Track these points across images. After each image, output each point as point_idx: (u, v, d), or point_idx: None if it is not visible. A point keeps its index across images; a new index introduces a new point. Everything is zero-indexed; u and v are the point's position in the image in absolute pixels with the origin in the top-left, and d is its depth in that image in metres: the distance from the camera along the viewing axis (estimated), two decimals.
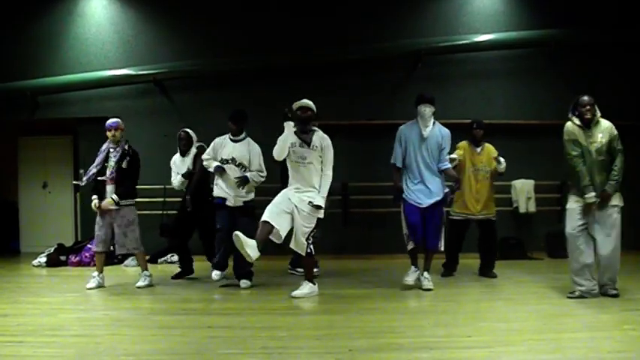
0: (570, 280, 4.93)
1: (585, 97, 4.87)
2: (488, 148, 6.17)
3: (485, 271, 6.10)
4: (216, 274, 5.63)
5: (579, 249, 4.84)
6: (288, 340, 3.78)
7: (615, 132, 4.87)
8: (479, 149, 6.12)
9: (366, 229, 7.35)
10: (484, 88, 8.15)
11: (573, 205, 4.91)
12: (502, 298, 5.05)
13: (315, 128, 5.20)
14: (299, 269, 6.28)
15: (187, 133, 6.15)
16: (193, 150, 6.12)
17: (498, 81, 8.21)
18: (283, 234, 4.95)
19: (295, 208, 5.00)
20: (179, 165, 6.15)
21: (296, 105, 5.16)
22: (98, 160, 5.66)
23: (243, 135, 5.67)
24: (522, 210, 7.84)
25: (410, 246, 5.40)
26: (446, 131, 5.47)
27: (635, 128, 7.95)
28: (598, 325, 4.01)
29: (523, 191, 7.86)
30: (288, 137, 5.09)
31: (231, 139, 5.64)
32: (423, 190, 5.33)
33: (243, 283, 5.60)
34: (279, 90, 7.94)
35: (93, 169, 5.65)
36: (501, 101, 8.09)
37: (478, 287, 5.61)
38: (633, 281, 5.65)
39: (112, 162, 5.61)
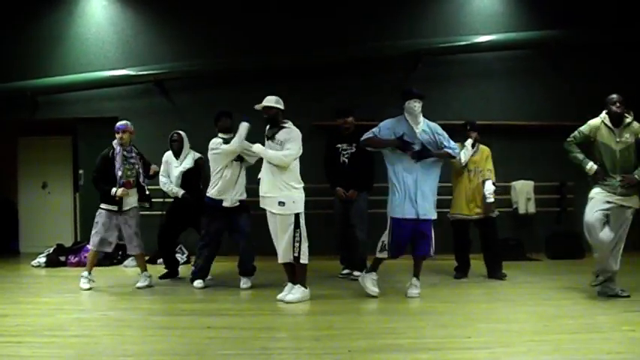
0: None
1: (614, 95, 4.87)
2: (483, 149, 6.10)
3: (493, 272, 6.00)
4: (198, 282, 5.66)
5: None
6: (287, 340, 3.78)
7: None
8: (472, 150, 6.04)
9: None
10: (484, 88, 8.15)
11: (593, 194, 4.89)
12: (501, 299, 5.05)
13: (286, 125, 5.07)
14: (356, 272, 6.08)
15: (180, 135, 6.22)
16: (191, 155, 6.17)
17: (498, 82, 8.21)
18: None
19: (271, 219, 5.01)
20: (173, 166, 6.16)
21: (259, 106, 5.09)
22: (118, 164, 5.62)
23: (232, 134, 5.69)
24: (522, 211, 7.84)
25: (382, 255, 5.09)
26: (433, 124, 5.26)
27: None
28: (597, 326, 4.02)
29: (523, 192, 7.86)
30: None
31: (223, 139, 5.64)
32: (415, 200, 5.02)
33: (244, 283, 5.62)
34: (279, 90, 7.88)
35: (119, 173, 5.60)
36: (501, 102, 8.09)
37: (477, 288, 5.60)
38: (631, 282, 5.64)
39: (128, 166, 5.64)
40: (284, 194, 4.93)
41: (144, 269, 5.78)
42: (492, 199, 5.89)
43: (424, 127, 5.19)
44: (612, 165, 4.82)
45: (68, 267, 7.32)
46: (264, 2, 8.21)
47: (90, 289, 5.56)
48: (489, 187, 5.90)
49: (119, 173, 5.60)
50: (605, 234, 4.77)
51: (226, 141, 5.61)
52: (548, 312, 4.47)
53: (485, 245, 6.06)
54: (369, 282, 5.14)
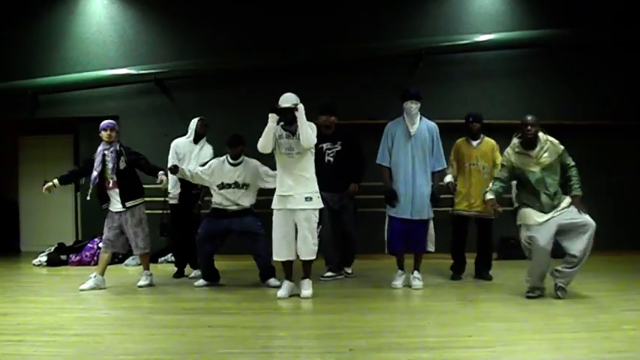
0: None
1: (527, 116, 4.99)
2: (487, 142, 6.02)
3: (481, 272, 5.99)
4: (202, 281, 5.73)
5: None
6: (288, 339, 3.78)
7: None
8: (475, 143, 5.99)
9: (368, 229, 7.37)
10: (485, 87, 8.13)
11: None
12: (502, 298, 5.03)
13: None
14: (348, 269, 6.27)
15: (205, 120, 6.36)
16: (208, 146, 6.25)
17: (499, 81, 8.19)
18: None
19: (294, 215, 5.02)
20: (186, 150, 6.21)
21: (280, 104, 5.06)
22: (97, 163, 5.58)
23: (241, 158, 5.65)
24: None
25: (387, 250, 5.52)
26: (432, 124, 5.42)
27: (636, 128, 7.95)
28: (598, 325, 4.00)
29: None
30: (271, 129, 5.01)
31: (230, 163, 5.63)
32: (411, 201, 5.29)
33: (273, 281, 5.61)
34: (280, 89, 7.91)
35: (94, 173, 5.56)
36: (502, 101, 8.07)
37: (478, 287, 5.60)
38: (632, 281, 5.64)
39: (109, 165, 5.56)
40: (310, 190, 5.02)
41: (146, 268, 5.78)
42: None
43: (422, 128, 5.36)
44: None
45: (69, 266, 7.34)
46: (265, 1, 8.21)
47: (89, 290, 5.50)
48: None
49: (94, 173, 5.56)
50: None
51: (233, 165, 5.60)
52: (549, 311, 4.46)
53: (478, 245, 6.05)
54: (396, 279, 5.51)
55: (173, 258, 6.73)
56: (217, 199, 5.62)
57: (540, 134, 4.93)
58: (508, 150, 5.02)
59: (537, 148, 4.88)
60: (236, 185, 5.56)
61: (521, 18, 8.17)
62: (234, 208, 5.58)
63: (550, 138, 4.95)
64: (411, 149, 5.33)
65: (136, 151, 5.74)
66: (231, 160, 5.62)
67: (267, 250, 5.30)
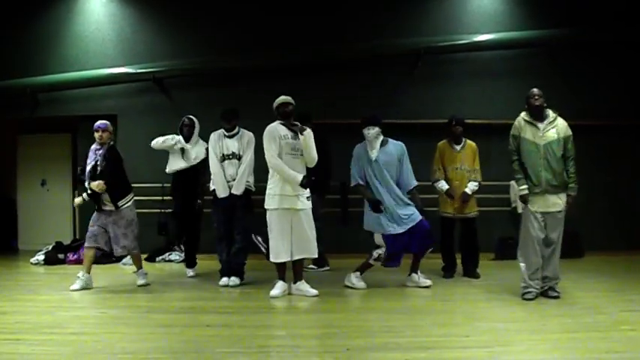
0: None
1: (534, 89, 4.92)
2: (470, 145, 6.09)
3: (469, 271, 6.07)
4: (226, 279, 5.67)
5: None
6: (286, 338, 3.78)
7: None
8: (458, 147, 6.05)
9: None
10: (485, 87, 8.13)
11: None
12: (500, 298, 5.03)
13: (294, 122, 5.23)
14: (311, 266, 6.46)
15: (192, 119, 6.29)
16: (202, 144, 6.19)
17: (499, 80, 8.18)
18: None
19: (294, 216, 5.04)
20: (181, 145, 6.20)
21: (277, 101, 5.20)
22: (90, 160, 5.51)
23: (237, 130, 5.72)
24: (520, 210, 7.81)
25: (375, 263, 5.43)
26: (399, 145, 5.44)
27: (634, 127, 7.95)
28: (596, 325, 4.01)
29: None
30: (275, 132, 5.09)
31: (226, 135, 5.69)
32: (395, 219, 5.29)
33: (232, 281, 5.62)
34: (280, 88, 7.90)
35: (87, 168, 5.50)
36: (502, 101, 8.05)
37: (476, 287, 5.60)
38: (629, 281, 5.65)
39: (99, 166, 5.47)
40: (307, 190, 5.15)
41: (139, 267, 5.74)
42: (469, 192, 5.94)
43: (388, 150, 5.39)
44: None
45: (67, 265, 7.32)
46: (265, 0, 8.18)
47: (80, 290, 5.37)
48: (472, 187, 5.97)
49: (87, 167, 5.50)
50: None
51: (229, 137, 5.66)
52: (547, 311, 4.47)
53: (465, 245, 6.14)
54: (355, 279, 5.51)
55: (183, 255, 6.75)
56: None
57: (550, 111, 4.89)
58: (518, 120, 4.95)
59: (545, 122, 4.84)
60: (234, 156, 5.62)
61: (521, 18, 8.17)
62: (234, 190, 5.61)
63: (561, 119, 4.90)
64: (373, 172, 5.37)
65: (119, 158, 5.61)
66: (226, 133, 5.70)
67: (247, 237, 5.57)
